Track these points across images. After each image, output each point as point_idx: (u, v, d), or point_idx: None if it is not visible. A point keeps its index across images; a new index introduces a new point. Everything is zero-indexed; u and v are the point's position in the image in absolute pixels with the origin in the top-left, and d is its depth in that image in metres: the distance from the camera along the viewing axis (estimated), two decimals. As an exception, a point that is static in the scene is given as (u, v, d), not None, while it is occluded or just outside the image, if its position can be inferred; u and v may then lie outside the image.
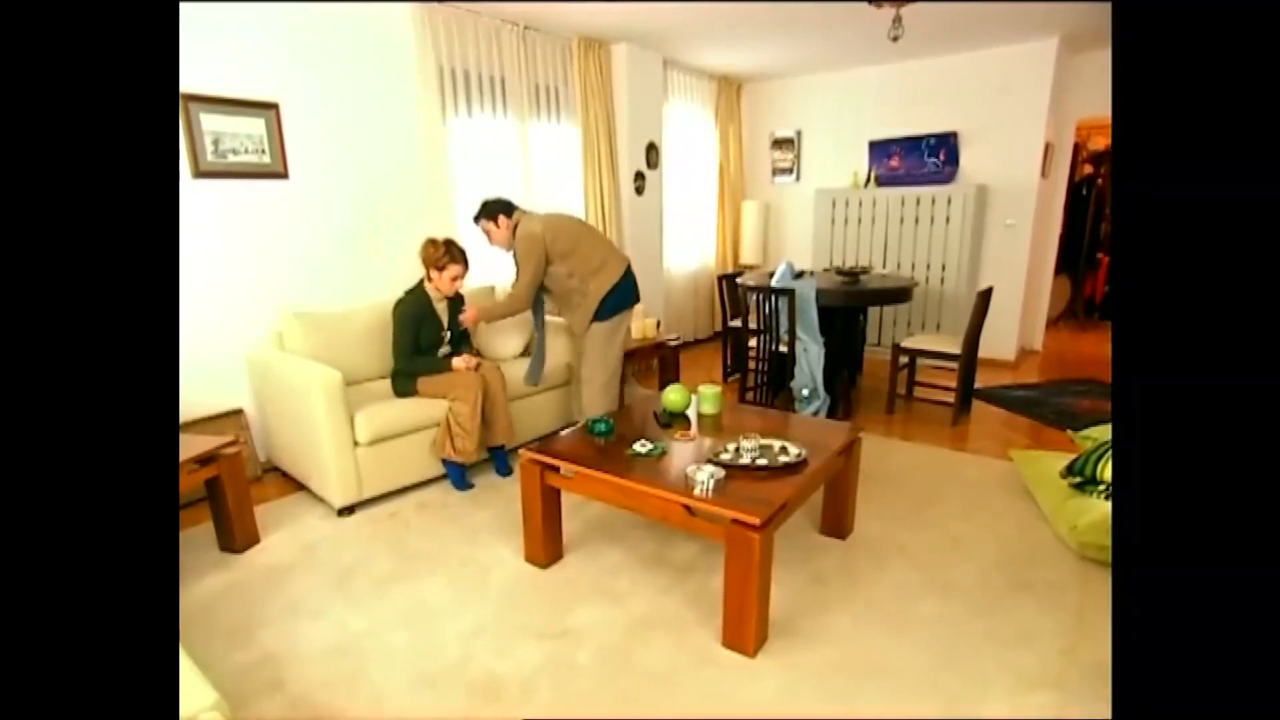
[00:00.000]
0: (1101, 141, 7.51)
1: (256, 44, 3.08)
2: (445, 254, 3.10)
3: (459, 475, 3.11)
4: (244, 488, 2.58)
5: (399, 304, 3.12)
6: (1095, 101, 5.30)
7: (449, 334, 3.25)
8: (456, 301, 3.30)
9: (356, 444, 2.85)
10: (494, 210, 3.27)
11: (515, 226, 3.24)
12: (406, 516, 2.87)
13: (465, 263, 3.19)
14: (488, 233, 3.32)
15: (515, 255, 3.27)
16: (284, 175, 3.26)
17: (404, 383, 3.11)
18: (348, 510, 2.88)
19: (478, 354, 3.54)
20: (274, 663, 1.95)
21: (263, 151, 3.17)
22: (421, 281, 3.18)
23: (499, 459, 3.28)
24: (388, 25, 3.57)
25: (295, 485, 3.17)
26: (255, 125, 3.13)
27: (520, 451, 2.45)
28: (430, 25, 3.72)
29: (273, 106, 3.16)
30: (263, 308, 3.24)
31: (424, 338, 3.13)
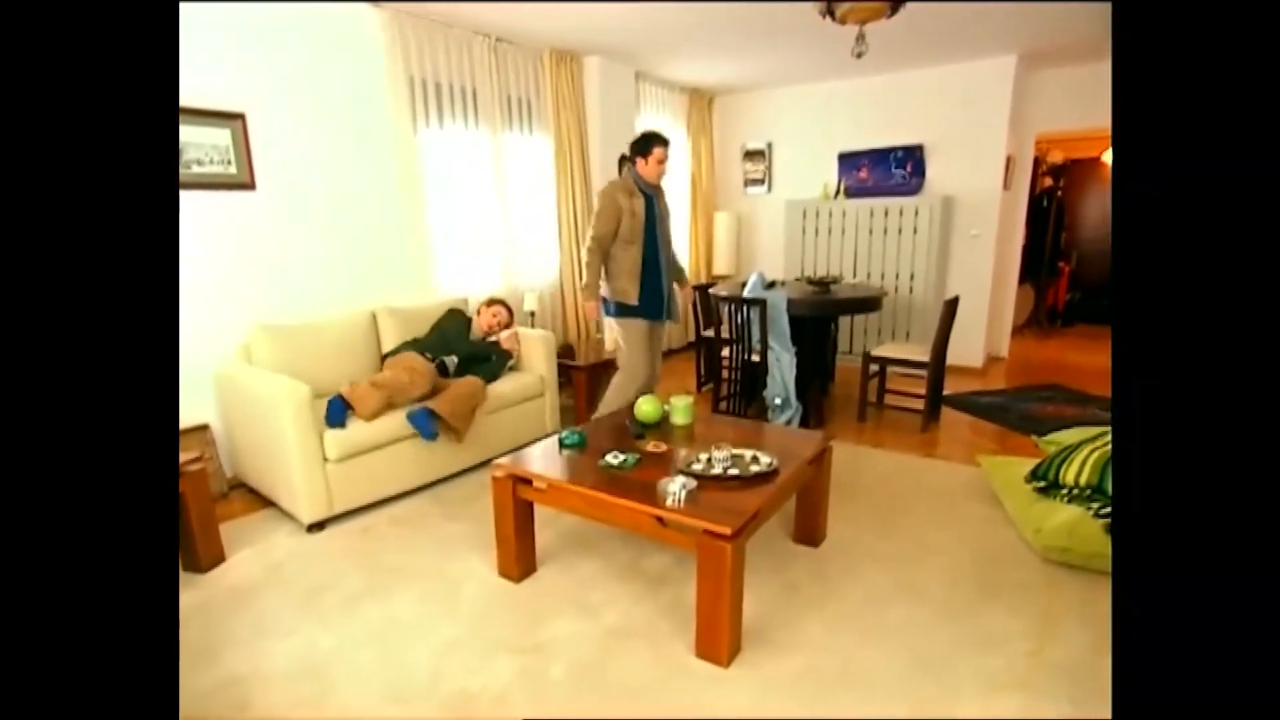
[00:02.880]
0: (1060, 155, 7.73)
1: (222, 53, 3.04)
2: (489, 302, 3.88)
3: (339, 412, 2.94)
4: (209, 505, 2.53)
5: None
6: (1053, 116, 5.47)
7: (457, 355, 3.51)
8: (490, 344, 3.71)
9: (326, 460, 2.81)
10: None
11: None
12: (380, 531, 2.83)
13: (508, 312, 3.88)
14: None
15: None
16: (251, 186, 3.22)
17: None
18: (317, 526, 2.83)
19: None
20: (240, 684, 1.91)
21: (229, 162, 3.12)
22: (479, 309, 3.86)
23: (424, 419, 3.05)
24: (358, 35, 3.55)
25: (263, 502, 3.10)
26: (221, 136, 3.08)
27: (493, 464, 2.44)
28: (401, 36, 3.71)
29: (239, 117, 3.12)
30: (230, 320, 3.19)
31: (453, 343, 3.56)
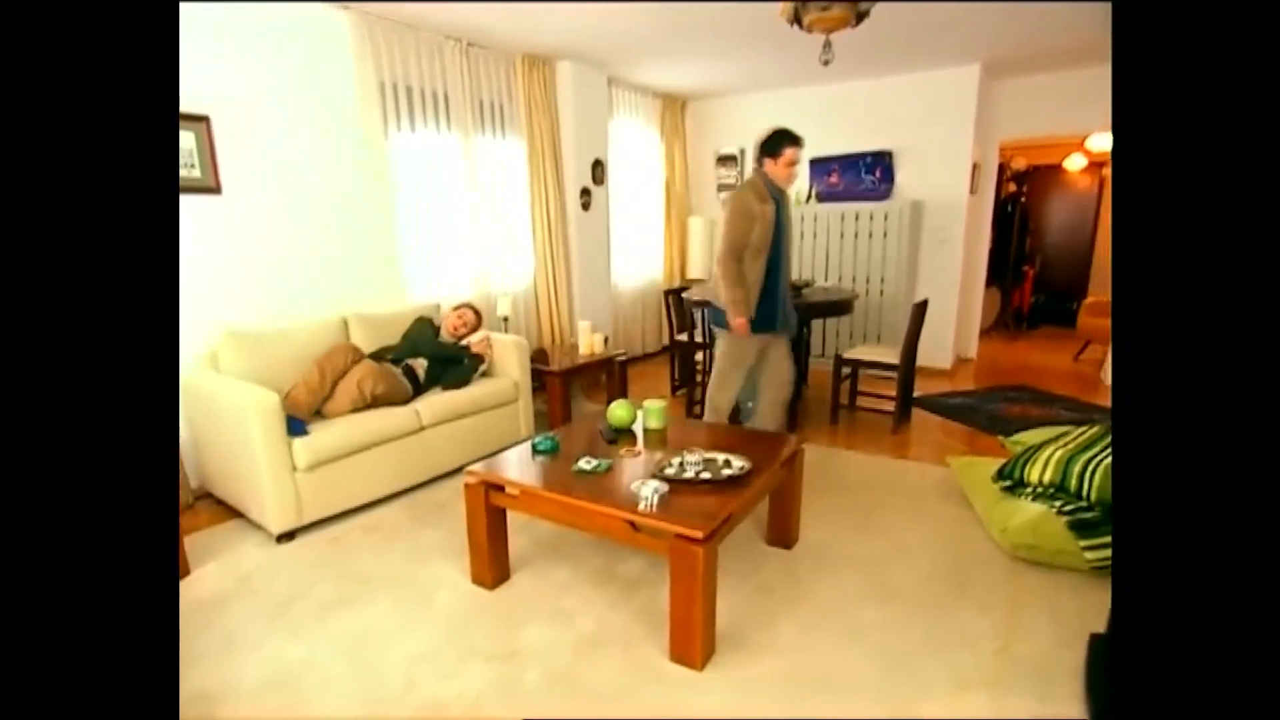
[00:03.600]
0: (1023, 161, 7.92)
1: (185, 54, 2.98)
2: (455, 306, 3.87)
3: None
4: (173, 516, 2.47)
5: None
6: (1016, 124, 5.61)
7: (424, 357, 3.49)
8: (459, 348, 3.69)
9: (295, 469, 2.76)
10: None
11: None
12: (351, 540, 2.79)
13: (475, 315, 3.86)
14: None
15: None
16: (216, 190, 3.16)
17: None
18: (287, 536, 2.79)
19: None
20: (208, 699, 1.87)
21: (193, 165, 3.07)
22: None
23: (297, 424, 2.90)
24: (325, 37, 3.51)
25: (230, 512, 3.04)
26: (185, 138, 3.03)
27: (465, 471, 2.42)
28: (370, 39, 3.67)
29: (203, 119, 3.07)
30: (195, 327, 3.12)
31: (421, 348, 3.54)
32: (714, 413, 3.38)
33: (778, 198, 3.12)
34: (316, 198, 3.59)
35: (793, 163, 3.05)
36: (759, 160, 3.11)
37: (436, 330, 3.71)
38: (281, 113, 3.37)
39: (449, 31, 4.07)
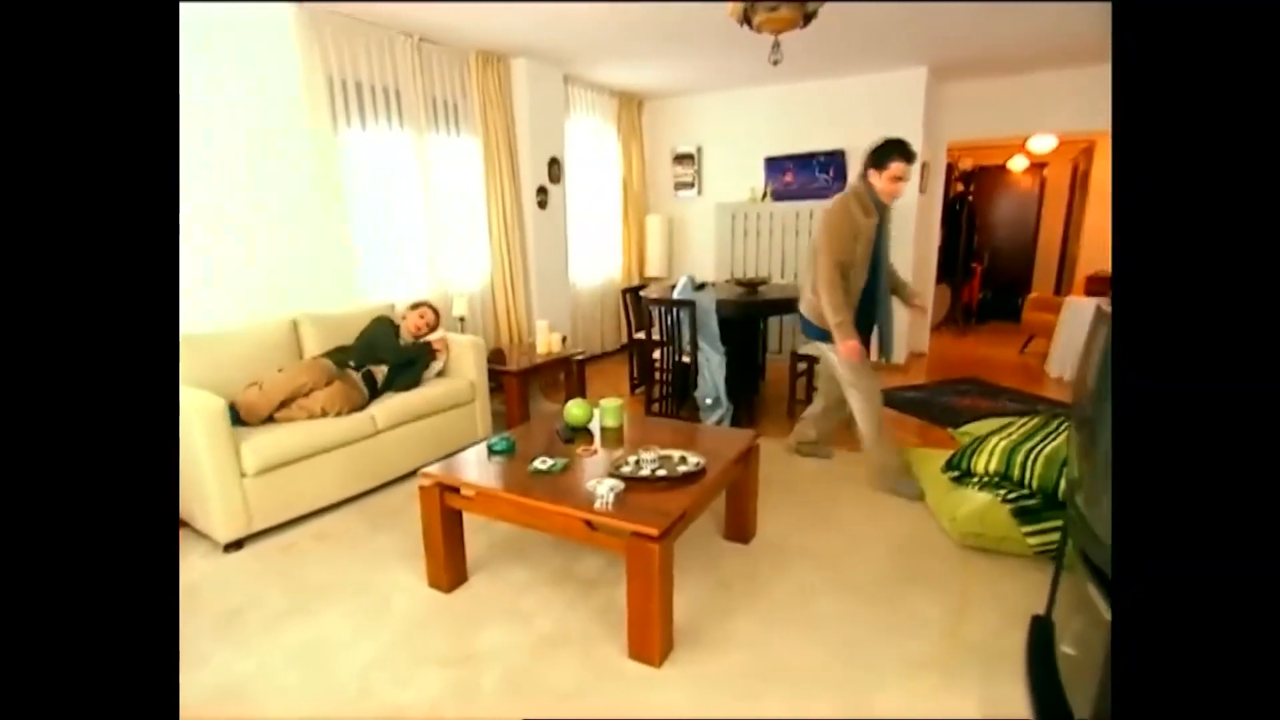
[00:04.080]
0: (970, 162, 8.17)
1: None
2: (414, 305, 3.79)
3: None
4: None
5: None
6: (963, 125, 5.78)
7: (387, 364, 3.46)
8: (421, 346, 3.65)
9: (244, 474, 2.68)
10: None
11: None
12: (303, 548, 2.73)
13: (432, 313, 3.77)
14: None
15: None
16: (155, 189, 3.04)
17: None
18: (235, 545, 2.70)
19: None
20: (147, 716, 1.80)
21: (129, 164, 2.94)
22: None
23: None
24: (269, 30, 3.40)
25: (174, 521, 2.94)
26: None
27: (419, 473, 2.39)
28: (317, 34, 3.58)
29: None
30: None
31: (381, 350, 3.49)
32: (879, 447, 3.09)
33: (881, 212, 2.94)
34: (264, 196, 3.48)
35: (898, 177, 2.83)
36: (864, 170, 2.93)
37: (396, 329, 3.63)
38: (225, 108, 3.26)
39: (400, 27, 3.99)
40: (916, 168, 5.36)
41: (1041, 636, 1.97)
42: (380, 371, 3.42)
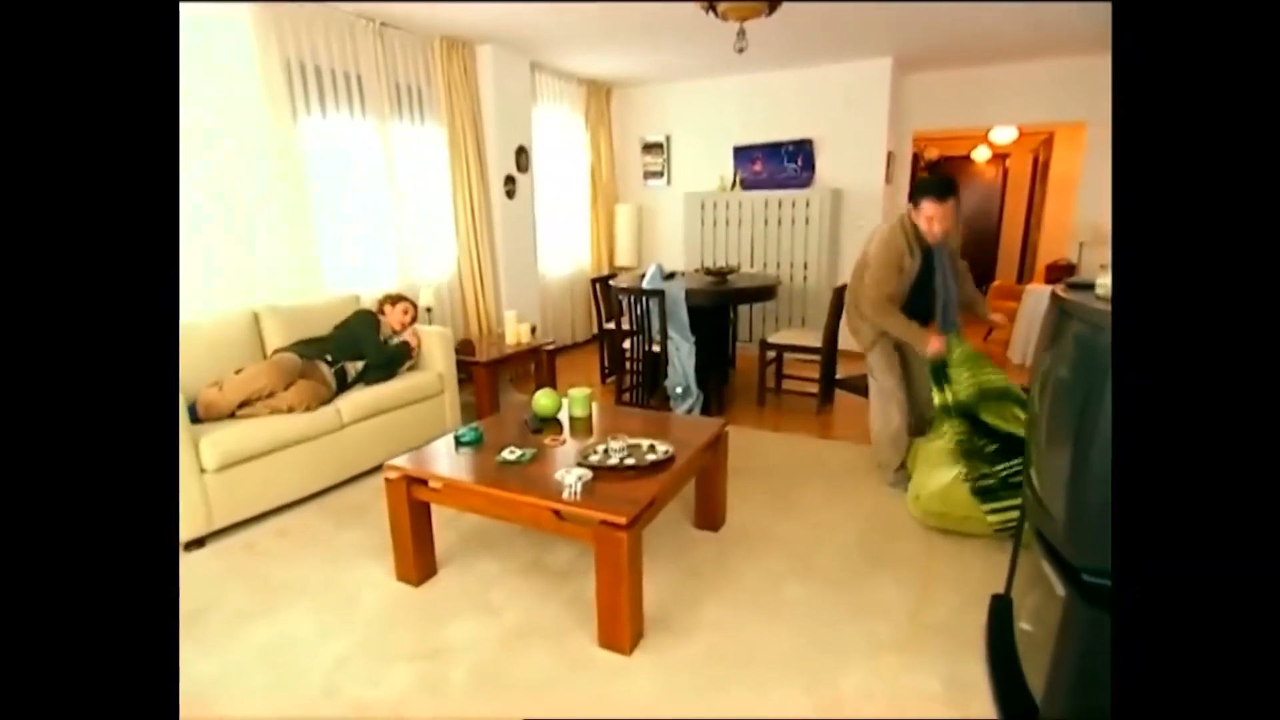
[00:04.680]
0: (935, 152, 8.29)
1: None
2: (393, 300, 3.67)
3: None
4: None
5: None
6: (928, 115, 5.85)
7: (365, 360, 3.41)
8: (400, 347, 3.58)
9: (203, 470, 2.62)
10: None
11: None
12: (265, 546, 2.67)
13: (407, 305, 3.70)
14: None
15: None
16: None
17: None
18: (196, 544, 2.64)
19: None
20: (104, 720, 1.75)
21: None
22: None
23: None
24: (218, 16, 3.28)
25: (131, 521, 2.86)
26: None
27: (385, 465, 2.35)
28: (273, 19, 3.47)
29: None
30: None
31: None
32: (882, 446, 3.13)
33: (927, 249, 2.88)
34: (222, 183, 3.38)
35: (930, 218, 2.76)
36: (909, 204, 2.91)
37: (377, 324, 3.52)
38: (182, 93, 3.15)
39: (360, 11, 3.90)
40: (882, 157, 5.47)
41: (1000, 614, 2.02)
42: (354, 368, 3.35)
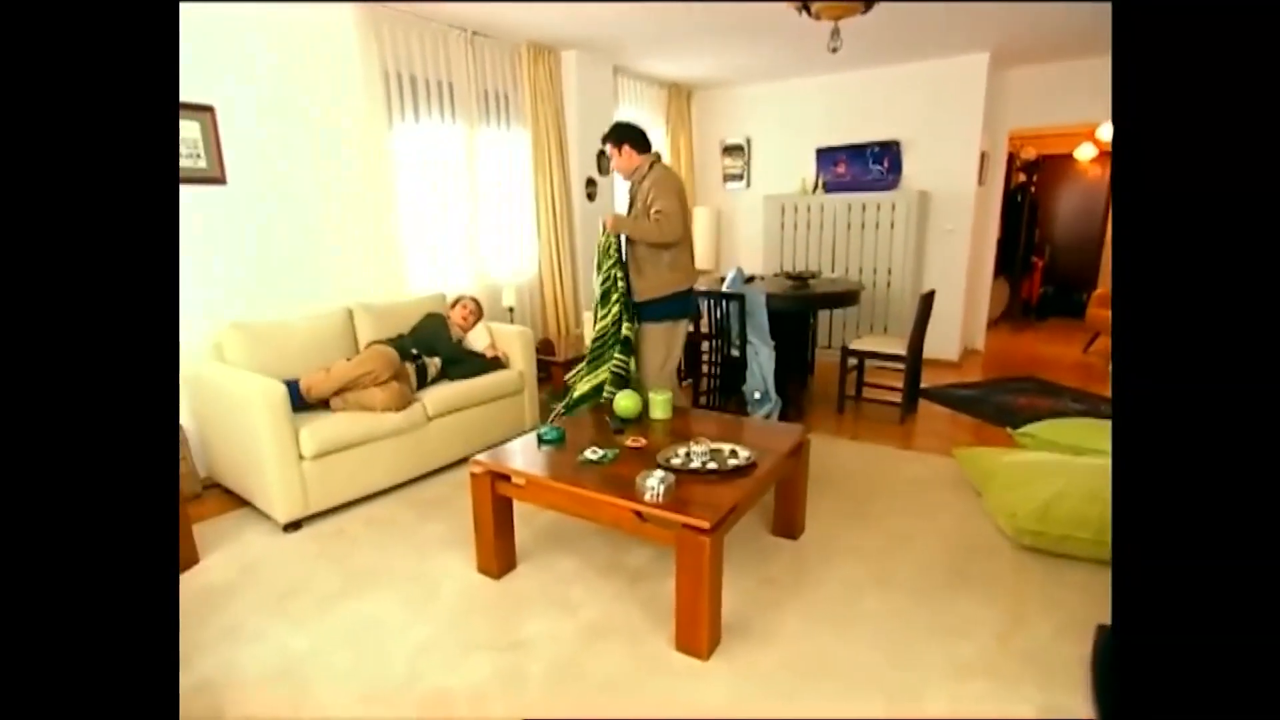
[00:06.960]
0: (1033, 151, 7.85)
1: (189, 44, 2.97)
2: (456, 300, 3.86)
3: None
4: (181, 507, 2.48)
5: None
6: (1026, 113, 5.55)
7: (440, 358, 3.52)
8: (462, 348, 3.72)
9: (302, 458, 2.77)
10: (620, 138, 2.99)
11: (650, 164, 3.01)
12: (354, 532, 2.80)
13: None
14: (612, 157, 3.07)
15: (648, 189, 2.98)
16: (221, 180, 3.15)
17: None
18: (293, 526, 2.80)
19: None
20: (212, 690, 1.88)
21: (198, 155, 3.06)
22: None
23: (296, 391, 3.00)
24: (329, 28, 3.49)
25: (238, 501, 3.06)
26: (190, 128, 3.02)
27: (470, 460, 2.42)
28: (375, 29, 3.65)
29: (208, 109, 3.06)
30: (199, 318, 3.12)
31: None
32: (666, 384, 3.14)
33: None
34: (321, 187, 3.57)
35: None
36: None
37: (446, 325, 3.68)
38: (285, 102, 3.36)
39: (454, 21, 4.04)
40: (975, 158, 5.23)
41: (1107, 647, 1.88)
42: (434, 364, 3.48)
